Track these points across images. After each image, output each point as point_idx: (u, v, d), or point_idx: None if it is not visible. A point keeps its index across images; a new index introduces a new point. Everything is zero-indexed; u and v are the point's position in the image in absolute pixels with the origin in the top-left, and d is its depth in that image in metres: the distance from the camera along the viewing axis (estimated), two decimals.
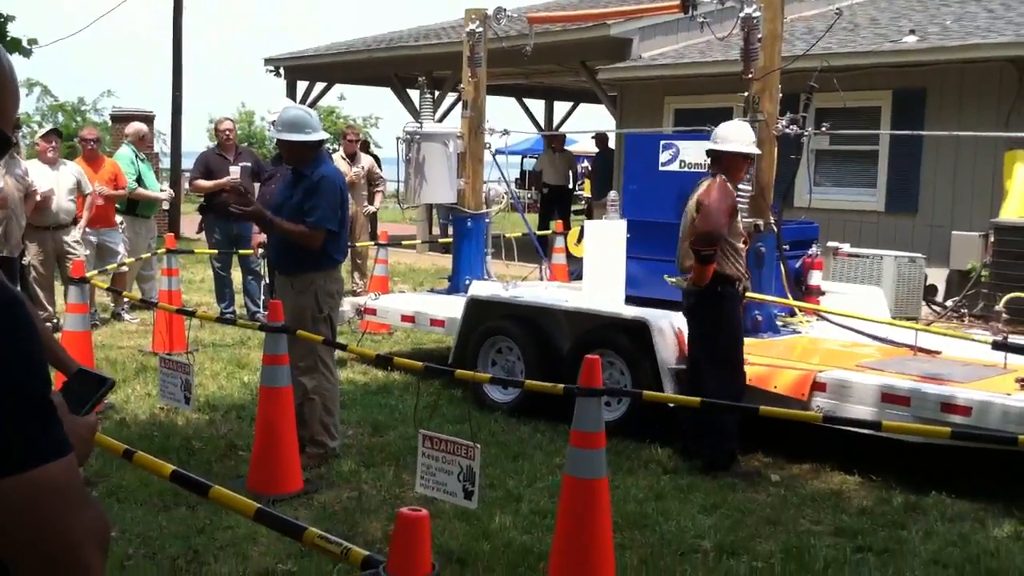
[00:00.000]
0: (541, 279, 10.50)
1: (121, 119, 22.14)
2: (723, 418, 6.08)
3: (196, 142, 34.02)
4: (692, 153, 8.04)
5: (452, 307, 8.41)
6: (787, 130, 7.85)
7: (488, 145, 9.92)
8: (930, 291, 11.38)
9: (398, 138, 9.50)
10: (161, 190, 11.45)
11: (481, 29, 9.56)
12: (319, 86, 22.24)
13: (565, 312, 7.53)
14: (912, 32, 13.24)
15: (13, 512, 1.35)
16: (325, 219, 5.97)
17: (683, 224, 6.50)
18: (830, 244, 10.55)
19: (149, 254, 10.98)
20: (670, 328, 6.79)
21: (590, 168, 21.88)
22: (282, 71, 21.65)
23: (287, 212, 6.03)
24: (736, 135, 6.49)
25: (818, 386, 6.25)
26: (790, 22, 12.91)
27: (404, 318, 8.85)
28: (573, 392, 4.42)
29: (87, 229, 10.31)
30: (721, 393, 5.87)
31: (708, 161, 6.67)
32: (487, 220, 9.81)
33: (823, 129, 7.98)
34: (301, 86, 21.81)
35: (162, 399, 6.32)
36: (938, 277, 11.58)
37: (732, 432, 6.12)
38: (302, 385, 6.03)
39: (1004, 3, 14.49)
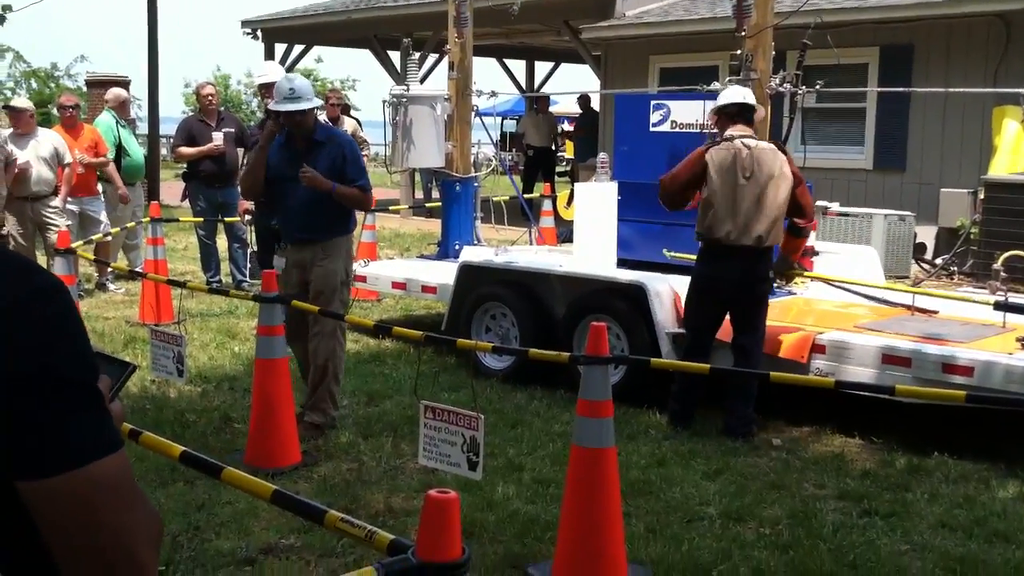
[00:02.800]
0: (530, 243, 10.42)
1: (96, 84, 21.82)
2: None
3: (172, 107, 33.58)
4: (684, 113, 7.95)
5: (443, 273, 8.32)
6: (780, 88, 7.76)
7: (475, 107, 9.79)
8: (919, 249, 11.36)
9: (384, 101, 9.35)
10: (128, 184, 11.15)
11: None
12: (297, 49, 21.95)
13: (560, 277, 7.45)
14: None
15: (68, 510, 1.27)
16: (368, 180, 6.23)
17: (769, 194, 6.08)
18: (819, 203, 10.49)
19: (134, 223, 10.83)
20: (668, 291, 6.73)
21: (572, 129, 21.75)
22: (259, 34, 21.34)
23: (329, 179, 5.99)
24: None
25: (817, 348, 6.21)
26: None
27: (395, 285, 8.76)
28: (580, 360, 4.34)
29: (68, 198, 10.14)
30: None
31: (720, 123, 6.40)
32: (476, 184, 9.70)
33: (818, 87, 7.88)
34: (279, 49, 21.53)
35: (154, 371, 6.21)
36: (927, 235, 11.55)
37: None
38: (320, 351, 6.05)
39: None
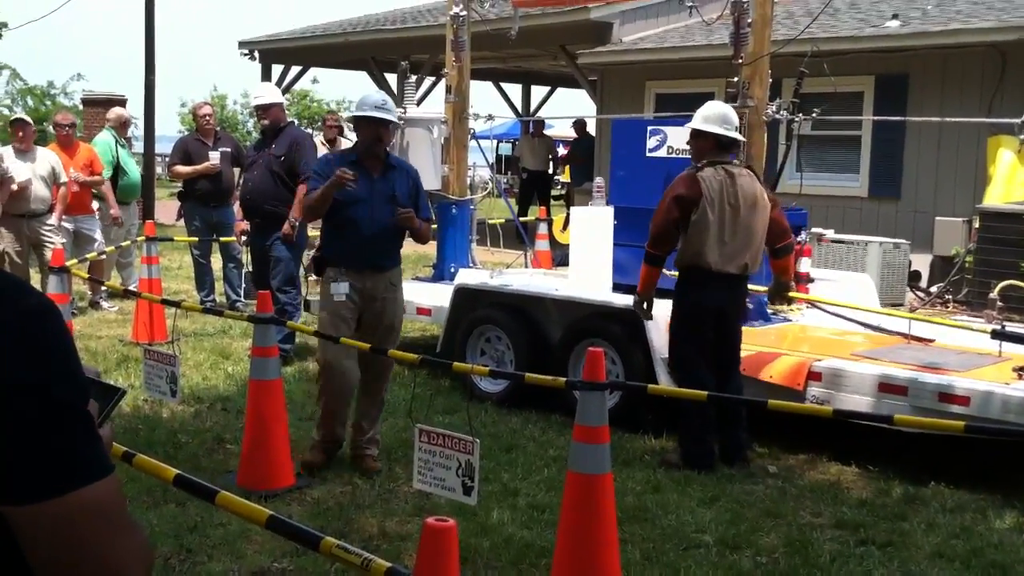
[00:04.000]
0: (526, 266, 10.41)
1: (92, 103, 21.81)
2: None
3: (168, 126, 33.64)
4: (680, 139, 7.95)
5: (439, 295, 8.30)
6: (777, 116, 7.78)
7: (471, 130, 9.80)
8: (914, 277, 11.37)
9: None
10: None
11: (465, 12, 9.43)
12: (294, 70, 22.01)
13: (555, 301, 7.43)
14: (895, 17, 13.20)
15: (56, 537, 1.24)
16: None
17: (751, 222, 6.05)
18: (814, 230, 10.50)
19: (128, 241, 10.80)
20: (663, 316, 6.70)
21: (567, 154, 21.78)
22: (257, 54, 21.39)
23: (398, 206, 5.67)
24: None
25: (813, 375, 6.19)
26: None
27: None
28: (576, 386, 4.32)
29: (63, 217, 10.11)
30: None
31: (704, 146, 6.20)
32: (472, 207, 9.69)
33: (814, 115, 7.90)
34: (276, 70, 21.56)
35: (147, 391, 6.18)
36: (922, 263, 11.57)
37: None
38: (385, 385, 6.01)
39: None
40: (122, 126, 11.46)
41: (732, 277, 6.04)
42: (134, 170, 11.43)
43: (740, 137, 6.36)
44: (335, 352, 5.66)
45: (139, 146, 19.30)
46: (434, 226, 9.14)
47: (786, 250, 6.42)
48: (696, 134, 6.18)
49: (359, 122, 5.73)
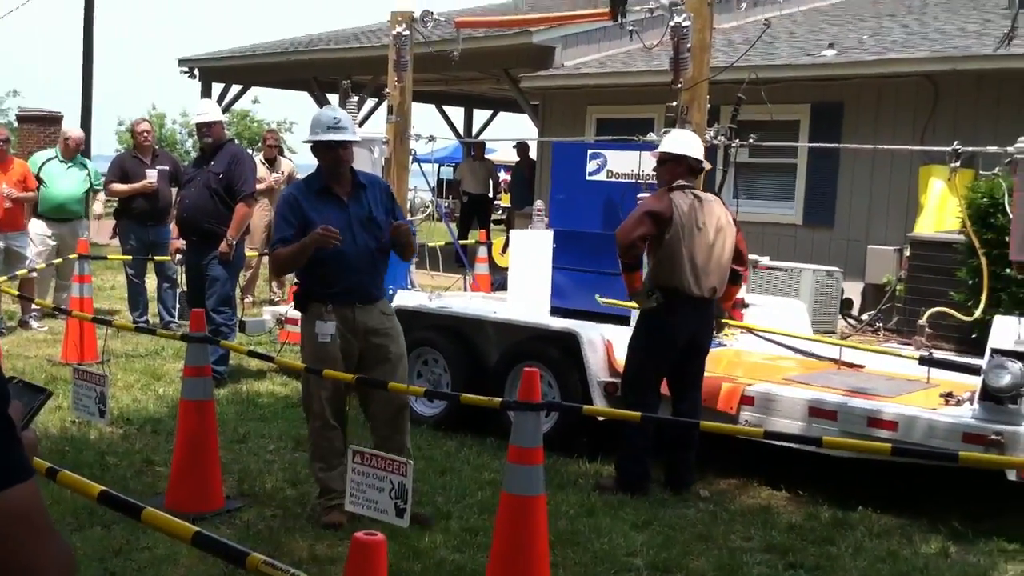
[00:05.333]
0: (465, 289, 10.41)
1: (28, 120, 21.53)
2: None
3: (105, 145, 33.16)
4: (620, 163, 8.02)
5: None
6: (715, 141, 7.87)
7: (413, 152, 9.79)
8: (846, 304, 11.53)
9: None
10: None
11: (408, 33, 9.43)
12: (235, 89, 21.86)
13: (493, 324, 7.43)
14: (831, 46, 13.44)
15: None
16: None
17: (718, 246, 6.07)
18: (751, 256, 10.62)
19: (60, 260, 10.61)
20: (600, 340, 6.74)
21: (510, 179, 21.86)
22: (197, 72, 21.21)
23: (378, 228, 5.28)
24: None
25: (746, 400, 6.25)
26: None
27: None
28: (511, 406, 4.32)
29: None
30: None
31: (670, 170, 6.20)
32: (412, 229, 9.65)
33: (751, 141, 8.01)
34: (216, 88, 21.39)
35: (75, 412, 6.07)
36: (854, 291, 11.74)
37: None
38: (406, 429, 5.47)
39: (919, 19, 14.80)
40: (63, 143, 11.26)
41: (702, 300, 6.08)
42: (59, 187, 11.01)
43: (708, 164, 6.44)
44: (321, 404, 5.29)
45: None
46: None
47: (738, 277, 6.50)
48: (669, 158, 6.19)
49: (316, 147, 5.30)
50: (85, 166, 11.23)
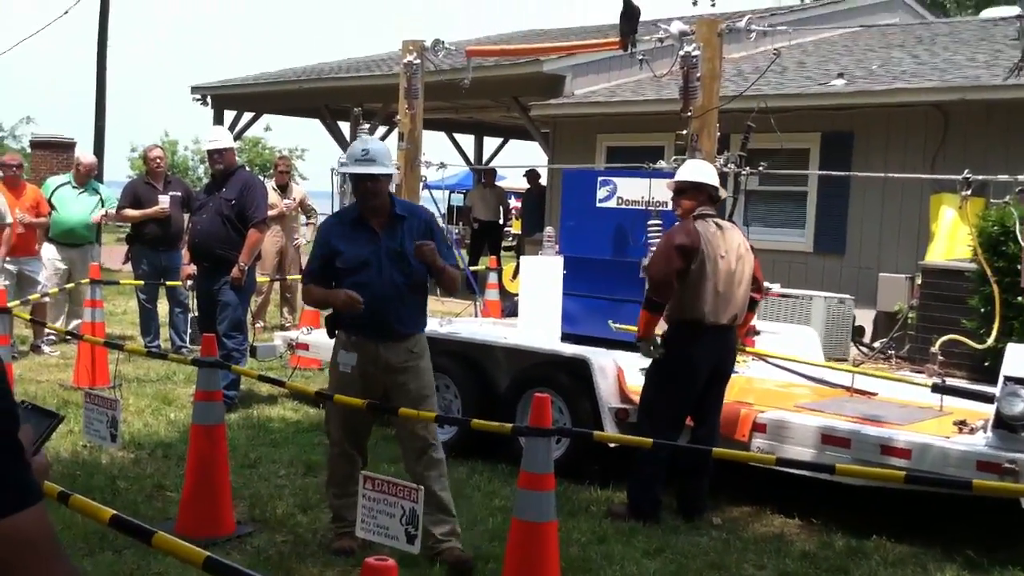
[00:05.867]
0: (475, 315, 10.40)
1: (41, 146, 21.66)
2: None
3: (118, 171, 33.33)
4: (629, 190, 8.03)
5: None
6: (725, 169, 7.89)
7: (424, 178, 9.82)
8: (858, 332, 11.50)
9: (333, 169, 9.35)
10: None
11: (419, 61, 9.49)
12: (247, 116, 21.99)
13: (504, 349, 7.43)
14: (840, 76, 13.48)
15: None
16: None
17: (739, 273, 6.08)
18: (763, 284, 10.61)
19: (72, 284, 10.65)
20: (611, 366, 6.73)
21: (520, 206, 21.89)
22: (209, 100, 21.35)
23: (408, 263, 5.11)
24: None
25: (758, 427, 6.23)
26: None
27: None
28: (522, 432, 4.32)
29: (7, 258, 9.97)
30: None
31: (691, 198, 6.19)
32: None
33: (760, 169, 8.03)
34: (228, 116, 21.53)
35: (86, 436, 6.08)
36: (865, 318, 11.72)
37: None
38: (441, 474, 5.26)
39: (928, 50, 14.86)
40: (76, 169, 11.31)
41: (724, 328, 6.07)
42: (71, 212, 11.06)
43: (725, 192, 6.45)
44: (339, 431, 5.29)
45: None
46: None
47: (754, 304, 6.50)
48: (688, 187, 6.16)
49: (350, 178, 5.28)
50: (98, 191, 11.27)
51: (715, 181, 6.23)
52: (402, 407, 5.08)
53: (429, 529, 5.06)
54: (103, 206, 11.12)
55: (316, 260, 5.28)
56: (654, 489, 6.00)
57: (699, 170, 6.25)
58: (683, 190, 6.20)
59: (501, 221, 20.45)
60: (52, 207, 10.79)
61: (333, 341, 5.37)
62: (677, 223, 6.22)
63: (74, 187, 11.04)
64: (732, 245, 6.07)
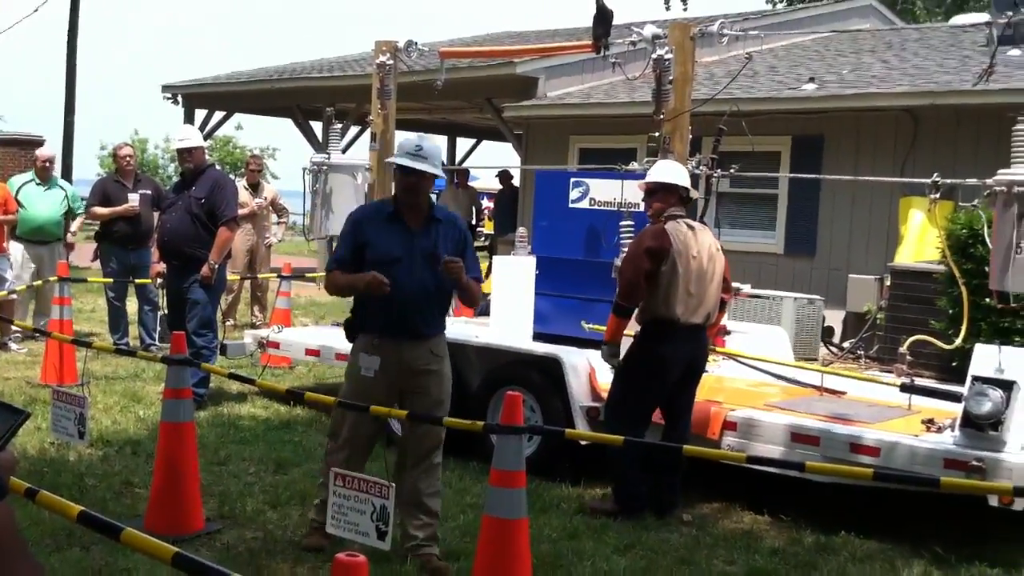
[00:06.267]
0: (448, 314, 10.39)
1: (8, 143, 21.43)
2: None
3: (87, 169, 33.10)
4: (602, 191, 8.05)
5: None
6: (696, 171, 7.92)
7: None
8: (827, 332, 11.59)
9: (304, 169, 9.32)
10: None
11: (392, 61, 9.47)
12: (218, 115, 21.86)
13: (476, 348, 7.43)
14: (811, 80, 13.57)
15: None
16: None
17: (710, 273, 6.10)
18: (732, 284, 10.66)
19: (40, 281, 10.55)
20: (583, 365, 6.75)
21: (493, 207, 21.89)
22: (180, 99, 21.22)
23: (437, 265, 5.00)
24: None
25: (728, 425, 6.26)
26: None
27: (308, 351, 8.65)
28: (494, 429, 4.32)
29: None
30: None
31: (662, 199, 6.19)
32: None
33: (732, 171, 8.07)
34: (199, 115, 21.41)
35: (54, 433, 6.02)
36: (835, 319, 11.81)
37: None
38: (437, 478, 5.23)
39: (898, 55, 14.98)
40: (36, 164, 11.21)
41: (697, 328, 6.10)
42: (38, 209, 10.95)
43: (696, 193, 6.47)
44: (351, 433, 5.12)
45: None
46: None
47: (723, 305, 6.54)
48: (659, 188, 6.17)
49: (396, 170, 5.11)
50: (62, 187, 11.19)
51: (686, 182, 6.26)
52: (419, 411, 5.02)
53: (409, 531, 5.07)
54: (68, 202, 11.01)
55: (346, 247, 5.11)
56: (638, 483, 6.02)
57: (670, 171, 6.27)
58: (654, 191, 6.22)
59: (474, 221, 20.43)
60: (20, 205, 10.68)
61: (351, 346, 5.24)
62: (648, 225, 6.24)
63: (38, 184, 10.92)
64: (703, 245, 6.10)
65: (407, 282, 4.94)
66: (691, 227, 6.12)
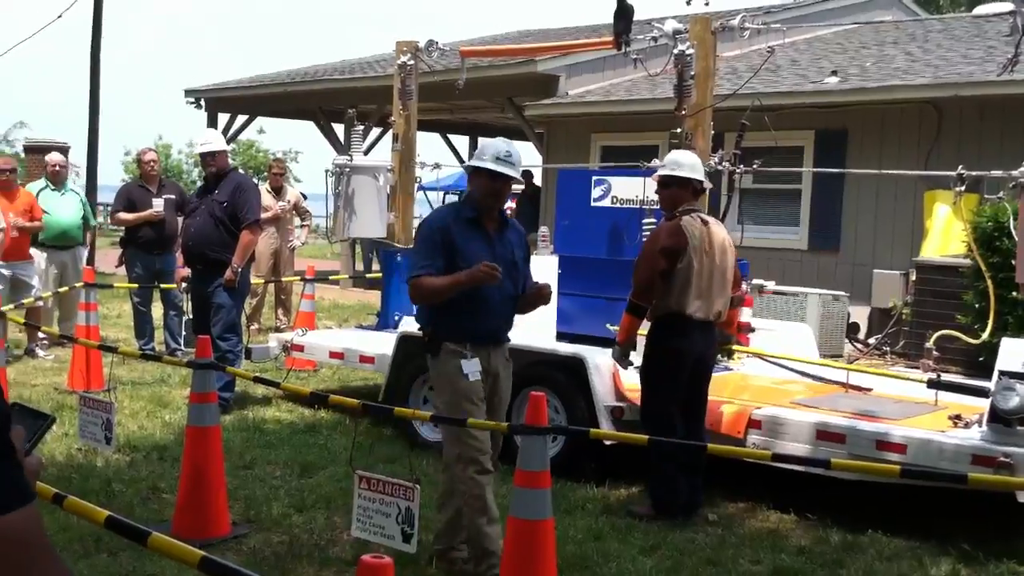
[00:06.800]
0: None
1: (34, 150, 21.60)
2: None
3: (112, 175, 33.33)
4: (624, 189, 8.03)
5: (382, 343, 8.26)
6: (719, 167, 7.90)
7: (418, 179, 9.84)
8: (853, 329, 11.52)
9: (327, 171, 9.36)
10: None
11: (412, 62, 9.50)
12: (240, 119, 21.98)
13: None
14: (834, 73, 13.50)
15: None
16: None
17: (720, 270, 6.07)
18: (755, 281, 10.60)
19: (66, 287, 10.62)
20: (607, 365, 6.73)
21: (515, 206, 21.86)
22: (203, 103, 21.35)
23: (519, 273, 5.05)
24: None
25: (754, 423, 6.23)
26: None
27: (332, 354, 8.67)
28: (519, 430, 4.31)
29: (0, 262, 9.95)
30: None
31: (677, 194, 6.12)
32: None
33: (755, 166, 8.03)
34: (222, 119, 21.52)
35: (81, 439, 6.07)
36: (860, 315, 11.73)
37: None
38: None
39: (921, 47, 14.88)
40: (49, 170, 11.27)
41: (707, 324, 6.08)
42: (60, 214, 11.05)
43: (709, 184, 6.44)
44: (480, 447, 4.85)
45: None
46: (378, 275, 8.80)
47: (735, 300, 6.50)
48: (674, 181, 6.09)
49: (477, 174, 4.94)
50: (76, 191, 11.28)
51: (700, 175, 6.20)
52: (493, 414, 5.00)
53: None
54: (83, 206, 11.11)
55: (437, 253, 4.87)
56: (678, 488, 5.98)
57: (685, 164, 6.15)
58: (668, 184, 6.16)
59: None
60: (43, 211, 10.77)
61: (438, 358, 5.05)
62: (663, 222, 6.20)
63: (53, 189, 10.99)
64: (717, 240, 6.07)
65: (496, 288, 4.85)
66: (705, 222, 6.08)
